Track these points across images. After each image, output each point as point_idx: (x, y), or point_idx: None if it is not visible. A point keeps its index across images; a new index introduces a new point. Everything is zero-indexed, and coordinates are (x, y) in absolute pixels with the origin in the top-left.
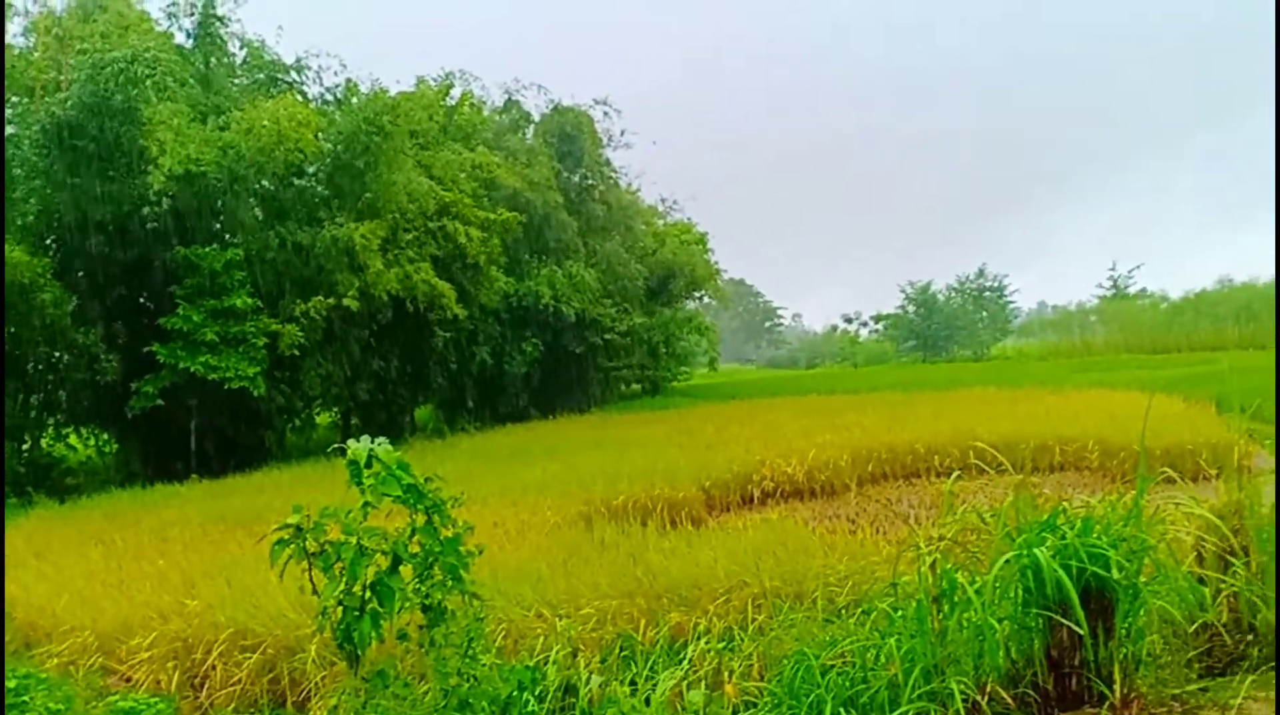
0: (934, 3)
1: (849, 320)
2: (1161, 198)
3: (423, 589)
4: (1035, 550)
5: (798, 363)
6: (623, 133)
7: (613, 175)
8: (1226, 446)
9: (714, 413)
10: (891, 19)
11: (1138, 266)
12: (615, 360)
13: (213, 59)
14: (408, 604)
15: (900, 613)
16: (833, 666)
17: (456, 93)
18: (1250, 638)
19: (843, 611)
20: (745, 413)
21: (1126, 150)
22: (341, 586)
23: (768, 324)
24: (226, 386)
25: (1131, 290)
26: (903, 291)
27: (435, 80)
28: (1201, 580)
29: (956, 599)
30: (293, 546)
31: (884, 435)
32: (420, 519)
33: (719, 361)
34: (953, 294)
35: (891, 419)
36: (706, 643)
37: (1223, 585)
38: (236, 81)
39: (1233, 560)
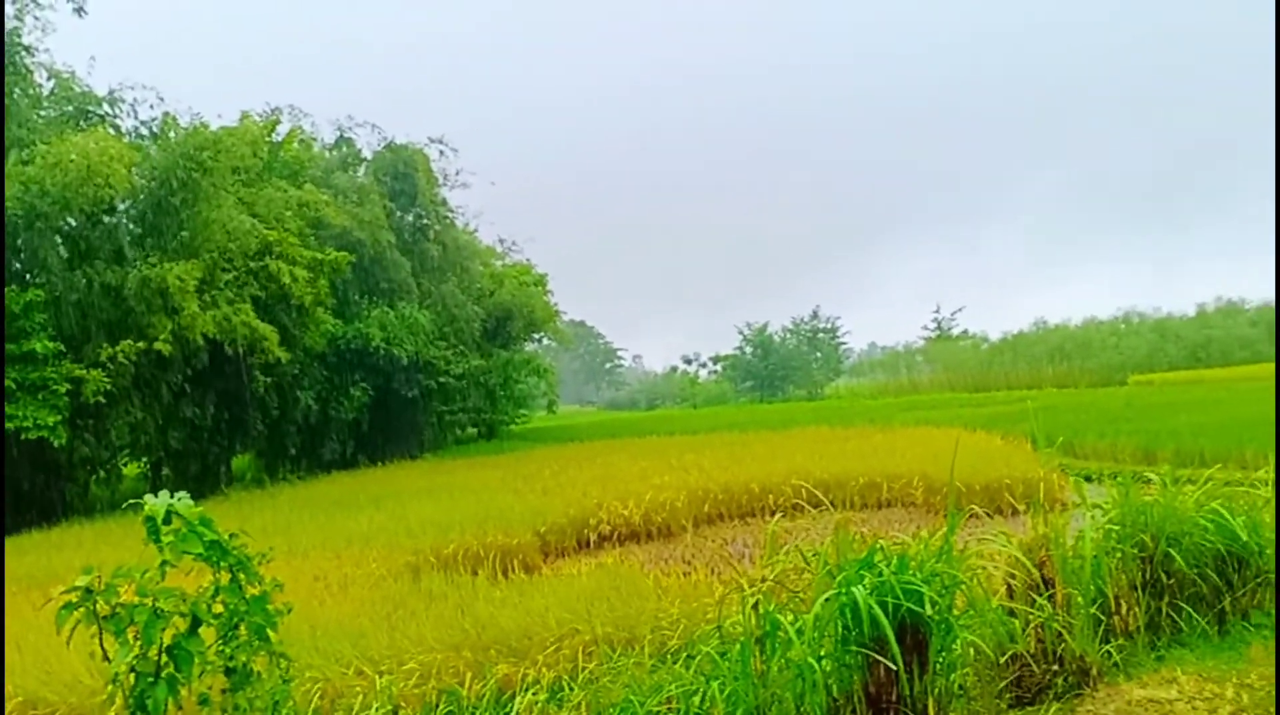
0: (780, 48)
1: (689, 361)
2: (983, 242)
3: (226, 651)
4: (854, 588)
5: (638, 404)
6: (459, 172)
7: (449, 215)
8: (1041, 481)
9: (552, 456)
10: (734, 62)
11: (960, 309)
12: (450, 404)
13: (16, 90)
14: (209, 667)
15: (725, 655)
16: (658, 712)
17: (284, 128)
18: (1056, 667)
19: (670, 656)
20: (584, 455)
21: (953, 195)
22: (135, 651)
23: (608, 365)
24: (24, 436)
25: (955, 332)
26: (741, 333)
27: (261, 115)
28: (1012, 612)
29: (779, 639)
30: (82, 610)
31: (721, 475)
32: (224, 577)
33: (558, 403)
34: (788, 335)
35: (728, 459)
36: (534, 694)
37: (1031, 617)
38: (42, 114)
39: (1038, 594)
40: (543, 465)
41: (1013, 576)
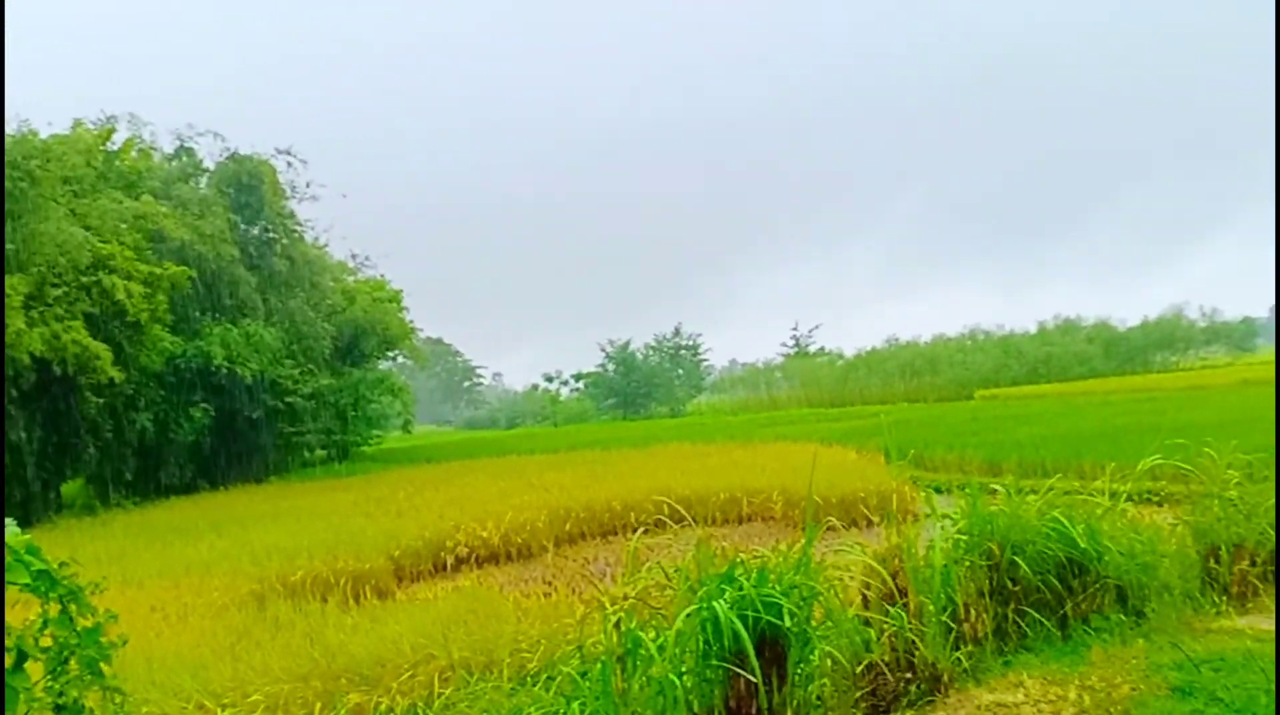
0: (649, 65)
1: (550, 379)
2: (841, 260)
3: (55, 686)
4: (714, 603)
5: (498, 423)
6: (309, 184)
7: (297, 228)
8: (894, 494)
9: (406, 477)
10: (596, 84)
11: (817, 326)
12: (298, 425)
13: None
14: (37, 704)
15: (586, 675)
16: None
17: (121, 136)
18: (909, 675)
19: (529, 679)
20: (440, 476)
21: (812, 214)
22: None
23: (467, 384)
24: None
25: (812, 349)
26: (603, 350)
27: (96, 123)
28: (867, 622)
29: (640, 657)
30: None
31: (582, 494)
32: (53, 609)
33: (414, 423)
34: (651, 352)
35: (590, 477)
36: None
37: (885, 626)
38: None
39: (892, 604)
40: (397, 487)
41: (868, 587)
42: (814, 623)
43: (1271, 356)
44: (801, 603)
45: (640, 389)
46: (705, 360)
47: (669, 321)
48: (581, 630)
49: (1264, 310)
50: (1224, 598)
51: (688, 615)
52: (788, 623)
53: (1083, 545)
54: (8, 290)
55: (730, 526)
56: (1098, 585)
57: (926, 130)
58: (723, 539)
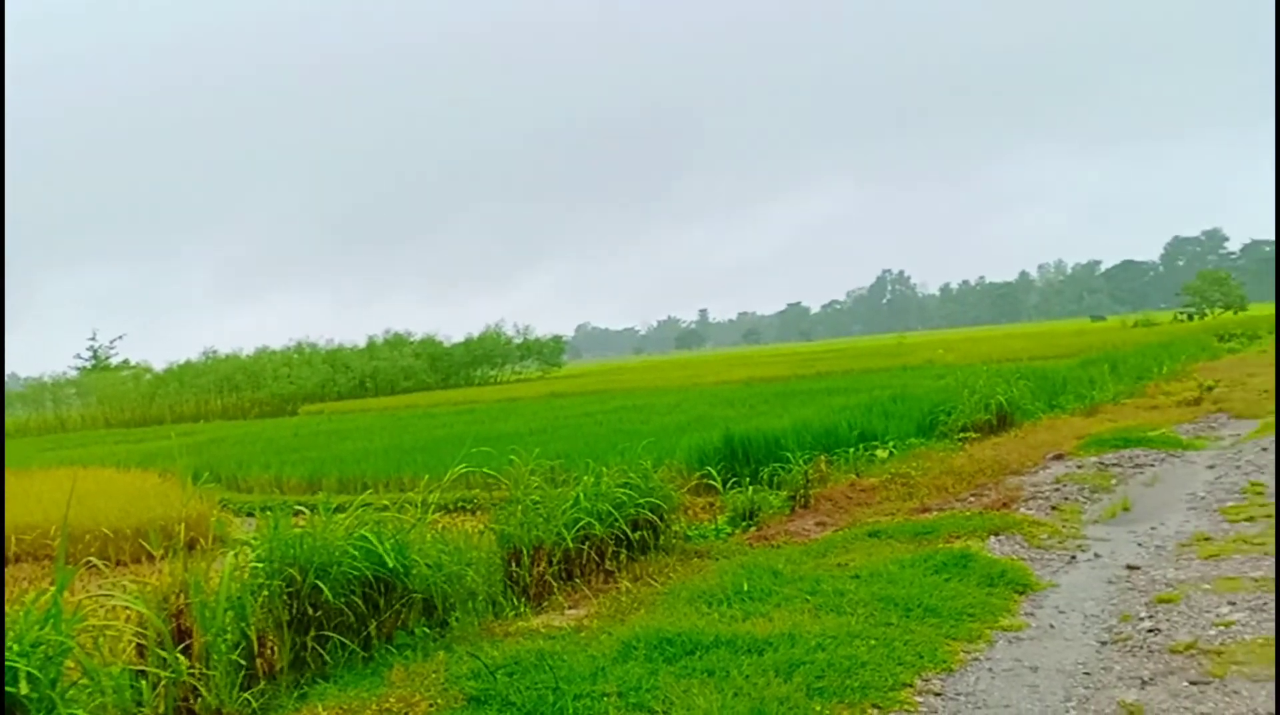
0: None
1: None
2: (163, 264)
3: None
4: None
5: None
6: None
7: None
8: (200, 520)
9: None
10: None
11: (120, 337)
12: None
13: None
14: None
15: None
16: None
17: None
18: None
19: None
20: None
21: (137, 208)
22: None
23: None
24: None
25: (114, 361)
26: None
27: None
28: (142, 673)
29: None
30: None
31: None
32: None
33: None
34: None
35: None
36: None
37: (163, 675)
38: None
39: (173, 648)
40: None
41: (144, 632)
42: (67, 684)
43: (575, 370)
44: (46, 663)
45: None
46: None
47: None
48: None
49: (570, 329)
50: (524, 599)
51: None
52: (25, 689)
53: (390, 562)
54: None
55: None
56: (404, 600)
57: (276, 136)
58: None
